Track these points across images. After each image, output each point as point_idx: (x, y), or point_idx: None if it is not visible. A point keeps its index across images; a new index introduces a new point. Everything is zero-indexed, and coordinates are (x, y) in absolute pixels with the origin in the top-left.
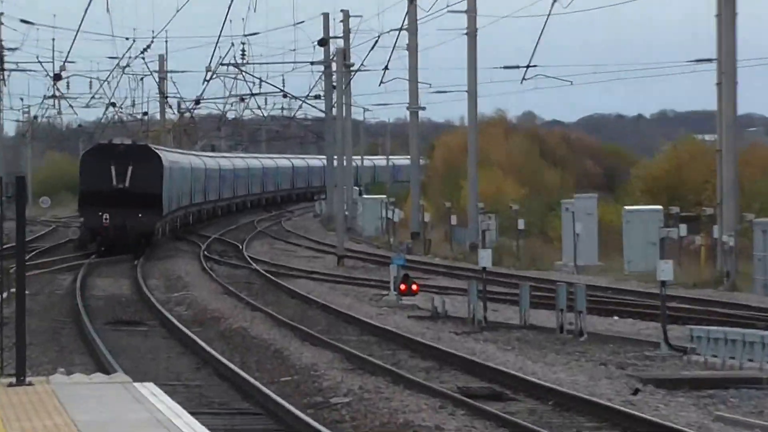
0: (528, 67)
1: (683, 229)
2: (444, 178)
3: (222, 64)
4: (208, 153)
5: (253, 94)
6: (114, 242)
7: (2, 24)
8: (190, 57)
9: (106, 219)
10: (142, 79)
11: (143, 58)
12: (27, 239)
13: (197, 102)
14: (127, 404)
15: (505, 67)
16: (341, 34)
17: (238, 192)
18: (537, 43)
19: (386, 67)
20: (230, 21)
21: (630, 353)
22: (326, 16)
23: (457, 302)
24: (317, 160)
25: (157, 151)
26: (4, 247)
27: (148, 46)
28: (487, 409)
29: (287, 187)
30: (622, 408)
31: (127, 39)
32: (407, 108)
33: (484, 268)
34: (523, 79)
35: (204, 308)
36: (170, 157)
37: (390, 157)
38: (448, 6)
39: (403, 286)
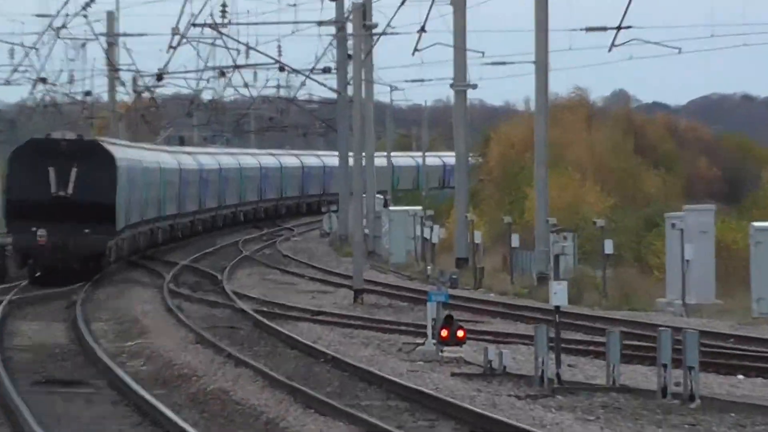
0: (619, 28)
1: None
2: (502, 183)
3: (194, 25)
4: (183, 148)
5: (237, 67)
6: (52, 265)
7: None
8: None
9: (42, 236)
10: (83, 45)
11: (85, 17)
12: None
13: (160, 77)
14: None
15: (588, 29)
16: None
17: (226, 200)
18: None
19: (422, 29)
20: None
21: (760, 426)
22: None
23: (519, 354)
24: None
25: (109, 148)
26: None
27: (92, 0)
28: None
29: (295, 194)
30: None
31: None
32: (451, 86)
33: (558, 308)
34: (613, 45)
35: (169, 362)
36: (129, 154)
37: (428, 153)
38: None
39: (444, 332)
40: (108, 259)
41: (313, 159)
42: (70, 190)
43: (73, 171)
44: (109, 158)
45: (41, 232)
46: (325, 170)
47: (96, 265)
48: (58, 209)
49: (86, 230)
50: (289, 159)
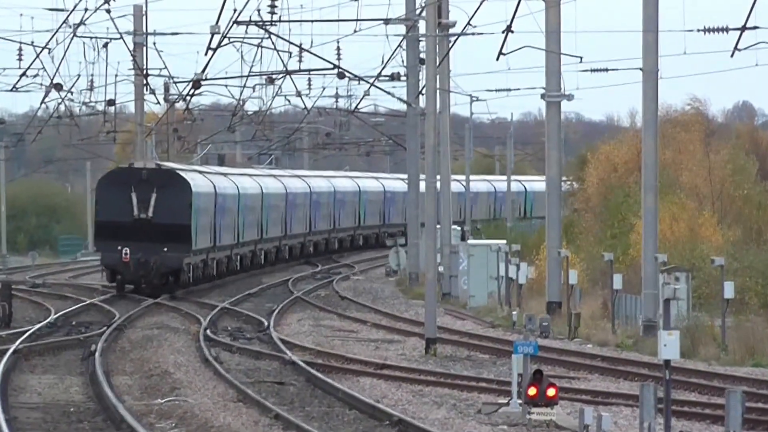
0: (743, 29)
1: None
2: (602, 213)
3: (238, 23)
4: (271, 170)
5: (288, 72)
6: (135, 280)
7: None
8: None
9: (126, 254)
10: (105, 45)
11: (107, 12)
12: None
13: (197, 84)
14: None
15: (707, 31)
16: None
17: (316, 226)
18: None
19: (508, 29)
20: None
21: None
22: None
23: (621, 418)
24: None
25: (185, 175)
26: None
27: None
28: None
29: (349, 225)
30: None
31: None
32: (542, 96)
33: (668, 363)
34: (735, 49)
35: (205, 424)
36: (214, 181)
37: (514, 177)
38: None
39: (533, 391)
40: (187, 275)
41: (372, 182)
42: (150, 213)
43: (153, 196)
44: (186, 184)
45: (125, 250)
46: (385, 196)
47: (175, 281)
48: (140, 230)
49: (165, 249)
50: (344, 182)
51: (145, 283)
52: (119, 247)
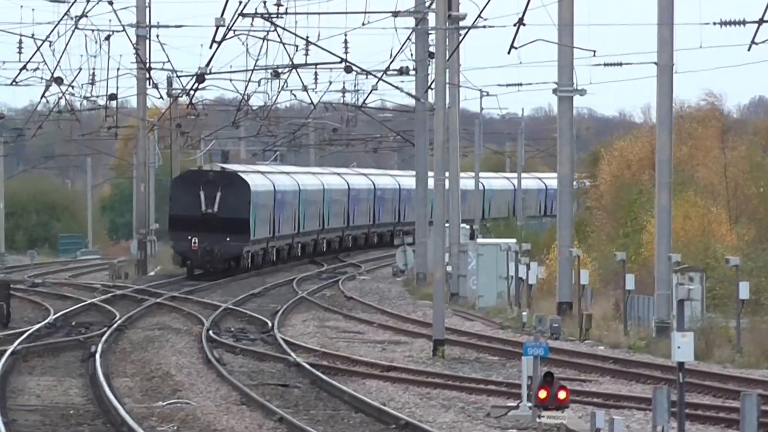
0: (761, 22)
1: None
2: (615, 212)
3: (243, 15)
4: (330, 169)
5: (294, 66)
6: (202, 265)
7: None
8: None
9: (194, 243)
10: (107, 38)
11: (110, 3)
12: None
13: (201, 78)
14: None
15: (723, 24)
16: None
17: (355, 220)
18: None
19: (520, 22)
20: None
21: None
22: None
23: (634, 421)
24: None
25: (245, 177)
26: None
27: None
28: None
29: (363, 223)
30: None
31: None
32: (554, 91)
33: (682, 365)
34: (753, 42)
35: (208, 427)
36: (273, 179)
37: (525, 174)
38: None
39: (543, 393)
40: (245, 262)
41: (387, 179)
42: (215, 208)
43: (218, 194)
44: (245, 184)
45: (194, 240)
46: (401, 193)
47: (236, 266)
48: (207, 223)
49: (227, 239)
50: (358, 179)
51: (210, 268)
52: (189, 237)
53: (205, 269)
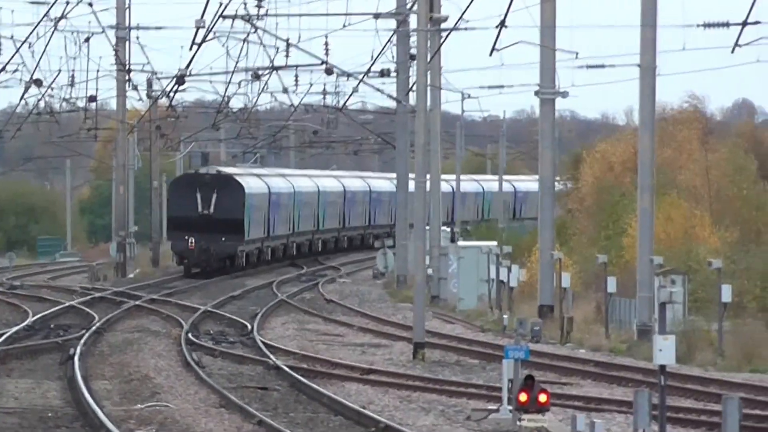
0: (744, 24)
1: None
2: (596, 214)
3: (224, 17)
4: (326, 172)
5: (274, 68)
6: (199, 264)
7: None
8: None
9: (191, 242)
10: (87, 39)
11: (90, 5)
12: None
13: (181, 80)
14: None
15: (707, 26)
16: None
17: (351, 221)
18: None
19: (502, 24)
20: None
21: None
22: None
23: (615, 425)
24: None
25: (239, 179)
26: None
27: None
28: None
29: (333, 226)
30: None
31: None
32: (536, 93)
33: (663, 368)
34: (736, 44)
35: (187, 431)
36: (269, 182)
37: (506, 177)
38: None
39: (523, 397)
40: (240, 261)
41: (357, 182)
42: (211, 209)
43: (214, 196)
44: (240, 186)
45: (191, 239)
46: (371, 196)
47: (231, 265)
48: (203, 223)
49: (223, 239)
50: (354, 182)
51: (206, 266)
52: (186, 237)
53: (201, 268)
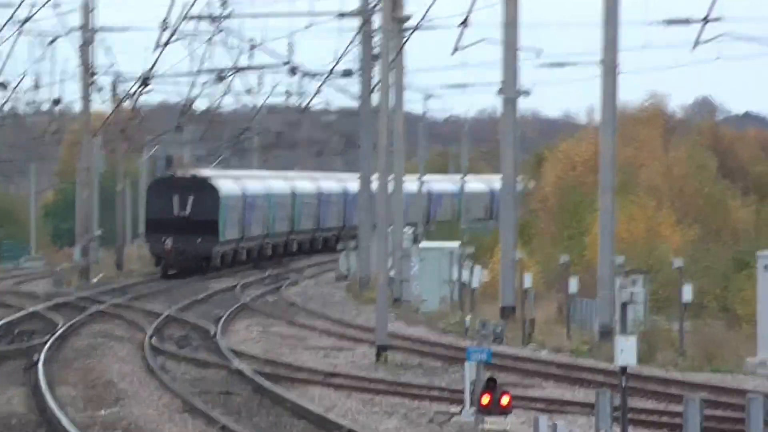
0: (705, 21)
1: None
2: (558, 214)
3: (188, 18)
4: (300, 173)
5: (238, 69)
6: (176, 264)
7: None
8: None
9: (168, 244)
10: (52, 42)
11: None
12: None
13: (145, 82)
14: None
15: (668, 23)
16: None
17: (324, 223)
18: None
19: (465, 23)
20: None
21: None
22: None
23: (577, 426)
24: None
25: (215, 183)
26: None
27: None
28: None
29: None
30: None
31: None
32: (499, 92)
33: (625, 369)
34: (697, 42)
35: None
36: (244, 184)
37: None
38: None
39: (486, 399)
40: (215, 262)
41: (331, 183)
42: (187, 211)
43: (190, 198)
44: (215, 189)
45: (168, 241)
46: (346, 198)
47: (206, 265)
48: (179, 225)
49: (198, 240)
50: (303, 183)
51: (183, 267)
52: (163, 239)
53: (178, 268)
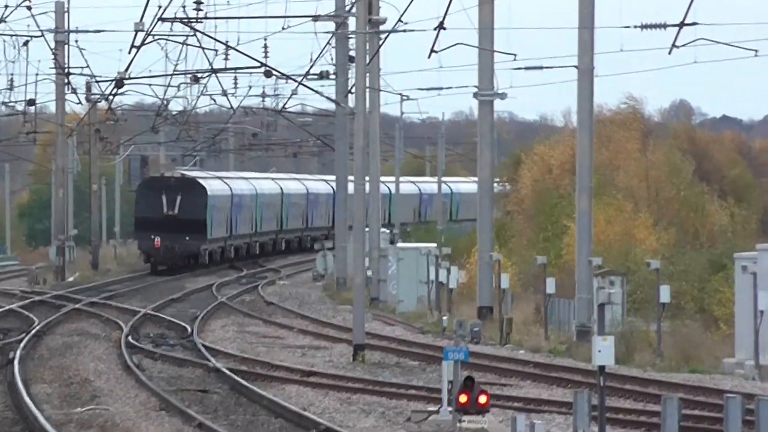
0: (682, 25)
1: None
2: (535, 216)
3: (162, 20)
4: (290, 174)
5: (214, 71)
6: (164, 262)
7: None
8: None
9: (157, 241)
10: (26, 43)
11: (28, 8)
12: None
13: (120, 84)
14: None
15: (644, 27)
16: None
17: (313, 222)
18: None
19: (441, 26)
20: None
21: None
22: None
23: (555, 426)
24: (323, 183)
25: (203, 182)
26: None
27: None
28: None
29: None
30: None
31: None
32: (475, 95)
33: (602, 369)
34: (674, 46)
35: None
36: (231, 184)
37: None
38: None
39: (463, 398)
40: (203, 259)
41: (319, 185)
42: (176, 210)
43: (178, 198)
44: (203, 189)
45: (157, 239)
46: (308, 198)
47: (195, 262)
48: (168, 223)
49: (186, 238)
50: (317, 184)
51: (171, 264)
52: (152, 237)
53: (167, 265)
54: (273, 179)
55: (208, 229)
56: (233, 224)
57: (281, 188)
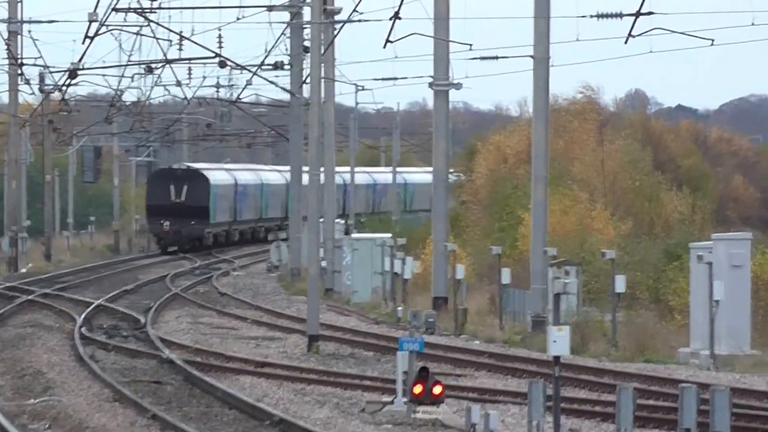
0: (638, 15)
1: None
2: (490, 206)
3: (116, 10)
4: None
5: (168, 61)
6: (172, 244)
7: None
8: None
9: (166, 226)
10: None
11: None
12: None
13: (73, 74)
14: None
15: (600, 16)
16: None
17: (268, 213)
18: None
19: (396, 16)
20: None
21: None
22: None
23: (509, 416)
24: (277, 174)
25: (206, 173)
26: None
27: None
28: None
29: (225, 220)
30: None
31: None
32: (430, 85)
33: (557, 359)
34: (630, 35)
35: (80, 425)
36: (235, 174)
37: (400, 169)
38: None
39: (418, 389)
40: (207, 241)
41: (249, 175)
42: (182, 198)
43: (185, 187)
44: (206, 179)
45: (166, 223)
46: (263, 189)
47: (200, 244)
48: (175, 210)
49: (192, 222)
50: (221, 174)
51: (179, 246)
52: (161, 222)
53: (176, 247)
54: (226, 170)
55: (211, 214)
56: (237, 210)
57: (235, 179)
